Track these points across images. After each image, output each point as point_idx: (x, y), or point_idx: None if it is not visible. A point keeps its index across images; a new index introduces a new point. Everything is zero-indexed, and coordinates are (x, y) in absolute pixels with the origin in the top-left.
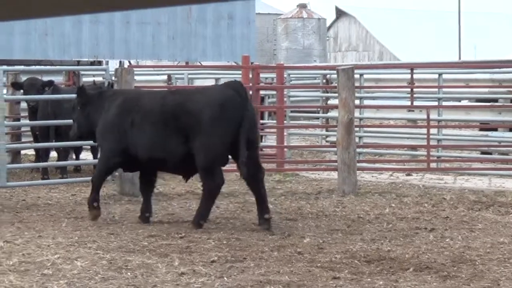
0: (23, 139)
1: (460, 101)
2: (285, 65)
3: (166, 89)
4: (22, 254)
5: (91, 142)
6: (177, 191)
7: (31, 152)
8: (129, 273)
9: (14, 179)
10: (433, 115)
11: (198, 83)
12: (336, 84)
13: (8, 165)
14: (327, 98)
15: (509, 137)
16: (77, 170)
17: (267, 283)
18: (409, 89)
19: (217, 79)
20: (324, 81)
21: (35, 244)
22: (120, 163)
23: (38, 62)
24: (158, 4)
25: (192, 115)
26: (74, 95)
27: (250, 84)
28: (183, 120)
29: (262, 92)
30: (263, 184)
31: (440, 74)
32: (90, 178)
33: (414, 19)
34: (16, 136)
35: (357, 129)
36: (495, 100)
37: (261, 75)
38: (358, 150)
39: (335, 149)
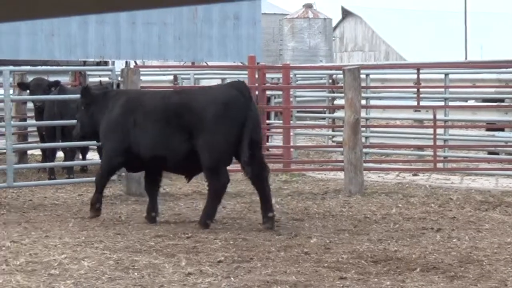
0: (30, 139)
1: (466, 101)
2: (291, 65)
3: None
4: (29, 254)
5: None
6: (183, 191)
7: (38, 152)
8: (136, 273)
9: (21, 179)
10: (440, 115)
11: (204, 83)
12: (342, 84)
13: (15, 165)
14: (333, 98)
15: None
16: (84, 170)
17: (274, 283)
18: (415, 89)
19: (223, 79)
20: (330, 81)
21: (42, 244)
22: (123, 163)
23: (45, 63)
24: (165, 5)
25: (196, 114)
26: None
27: (256, 84)
28: (187, 119)
29: (268, 92)
30: (268, 183)
31: (446, 74)
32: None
33: (420, 19)
34: (22, 136)
35: (363, 129)
36: (502, 100)
37: (267, 75)
38: (365, 150)
39: (341, 149)
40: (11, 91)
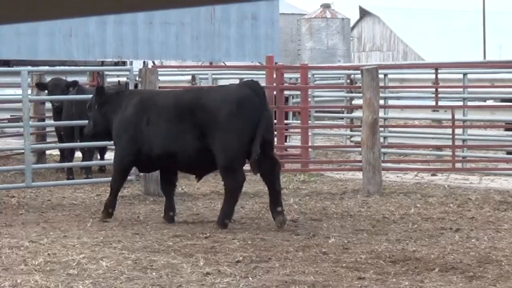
0: (48, 140)
1: (485, 101)
2: (309, 65)
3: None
4: (48, 254)
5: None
6: (202, 191)
7: (56, 152)
8: (154, 273)
9: (39, 179)
10: (458, 115)
11: (222, 83)
12: (360, 84)
13: (33, 165)
14: (352, 98)
15: None
16: (102, 170)
17: (292, 283)
18: (433, 89)
19: (241, 79)
20: (348, 81)
21: (60, 244)
22: (135, 162)
23: (63, 63)
24: (183, 5)
25: (210, 113)
26: None
27: (274, 84)
28: (201, 118)
29: (286, 92)
30: (279, 179)
31: (465, 74)
32: None
33: (438, 18)
34: (41, 136)
35: (381, 129)
36: None
37: (285, 75)
38: (383, 150)
39: (359, 149)
40: (29, 92)
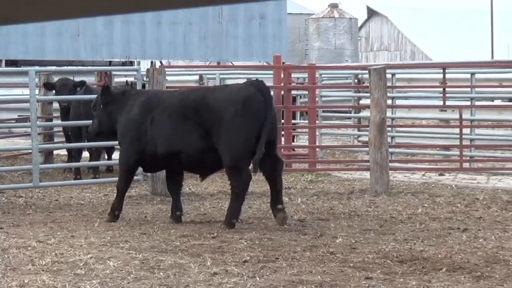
0: (56, 140)
1: (493, 100)
2: (317, 65)
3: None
4: (55, 254)
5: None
6: (209, 191)
7: (64, 152)
8: (161, 273)
9: (46, 179)
10: (466, 115)
11: (229, 83)
12: (368, 84)
13: (40, 165)
14: (359, 98)
15: None
16: (109, 170)
17: (299, 283)
18: (441, 89)
19: (248, 79)
20: (356, 81)
21: (67, 244)
22: (140, 162)
23: (70, 63)
24: (190, 5)
25: (215, 112)
26: None
27: (282, 84)
28: (206, 117)
29: (294, 92)
30: (281, 177)
31: (472, 74)
32: None
33: (446, 18)
34: (48, 136)
35: (389, 129)
36: None
37: (293, 75)
38: (391, 150)
39: (367, 149)
40: (37, 92)
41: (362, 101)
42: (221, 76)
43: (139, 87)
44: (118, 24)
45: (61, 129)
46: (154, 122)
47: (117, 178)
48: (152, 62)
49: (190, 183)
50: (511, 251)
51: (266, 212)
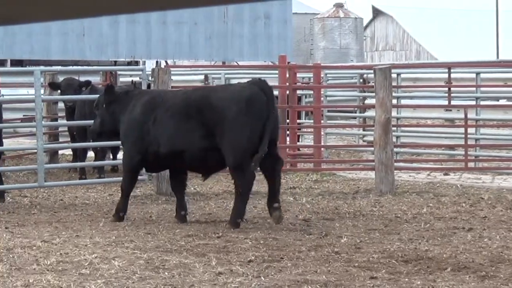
0: (61, 139)
1: (498, 100)
2: (322, 64)
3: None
4: (60, 253)
5: None
6: (214, 191)
7: (69, 152)
8: (166, 273)
9: (51, 179)
10: (471, 115)
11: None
12: (373, 84)
13: (46, 165)
14: (364, 98)
15: None
16: (114, 170)
17: (304, 283)
18: (446, 89)
19: (252, 79)
20: (361, 80)
21: (72, 243)
22: (144, 161)
23: (75, 63)
24: (195, 4)
25: (218, 111)
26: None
27: (287, 84)
28: (208, 116)
29: (299, 92)
30: (280, 176)
31: (477, 73)
32: None
33: (451, 18)
34: (53, 136)
35: (394, 128)
36: None
37: (298, 74)
38: (396, 149)
39: (372, 148)
40: (42, 91)
41: (367, 101)
42: (226, 76)
43: (144, 87)
44: (124, 24)
45: (66, 129)
46: (157, 121)
47: (122, 178)
48: (157, 62)
49: (195, 183)
50: None
51: None
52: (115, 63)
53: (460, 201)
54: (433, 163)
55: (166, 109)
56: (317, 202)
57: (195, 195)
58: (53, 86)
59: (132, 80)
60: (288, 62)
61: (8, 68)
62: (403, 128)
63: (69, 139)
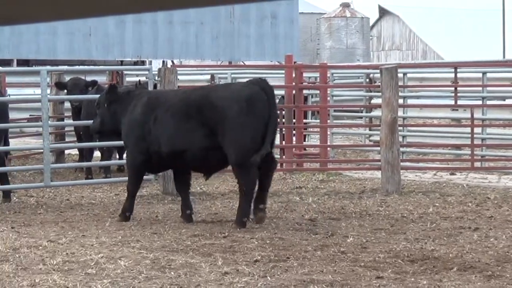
0: (67, 139)
1: (504, 100)
2: (328, 64)
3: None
4: (66, 253)
5: None
6: (220, 191)
7: (75, 151)
8: (172, 273)
9: (58, 178)
10: (477, 114)
11: None
12: (379, 83)
13: (52, 164)
14: (371, 97)
15: None
16: (121, 169)
17: (310, 283)
18: (453, 88)
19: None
20: (368, 80)
21: (78, 243)
22: (147, 161)
23: (82, 62)
24: (202, 4)
25: (219, 111)
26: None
27: (294, 84)
28: (210, 116)
29: (305, 92)
30: (271, 177)
31: (484, 73)
32: None
33: (457, 17)
34: (60, 136)
35: (400, 128)
36: None
37: (305, 74)
38: (402, 149)
39: (378, 148)
40: (48, 91)
41: (374, 101)
42: (232, 75)
43: (150, 86)
44: (130, 23)
45: (72, 128)
46: (157, 121)
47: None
48: (163, 61)
49: (201, 183)
50: None
51: (277, 212)
52: (122, 63)
53: (466, 200)
54: (439, 162)
55: (167, 108)
56: (323, 201)
57: (201, 195)
58: (60, 86)
59: (139, 80)
60: (295, 62)
61: (15, 68)
62: (409, 128)
63: (75, 139)
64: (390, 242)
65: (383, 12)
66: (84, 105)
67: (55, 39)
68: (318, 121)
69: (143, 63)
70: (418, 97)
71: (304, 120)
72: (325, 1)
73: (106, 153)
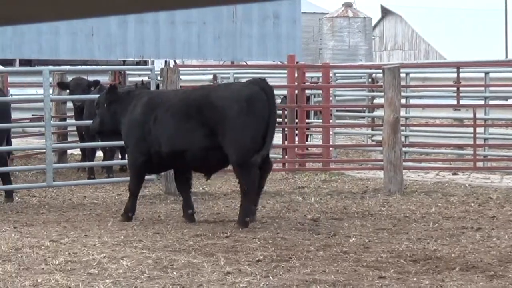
0: (69, 139)
1: (507, 99)
2: (330, 64)
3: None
4: (68, 253)
5: None
6: (222, 191)
7: (77, 151)
8: (174, 273)
9: (60, 178)
10: (480, 114)
11: None
12: (382, 83)
13: (54, 164)
14: (373, 97)
15: None
16: (123, 169)
17: (312, 283)
18: (455, 88)
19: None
20: (370, 80)
21: (81, 243)
22: (148, 161)
23: (84, 62)
24: (204, 4)
25: (219, 111)
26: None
27: (296, 84)
28: (209, 116)
29: (307, 92)
30: (266, 178)
31: (486, 73)
32: None
33: (460, 17)
34: (62, 135)
35: (403, 128)
36: None
37: (307, 74)
38: (404, 149)
39: (381, 148)
40: (50, 91)
41: (376, 101)
42: (235, 75)
43: (153, 86)
44: (132, 23)
45: (75, 128)
46: (157, 121)
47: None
48: (166, 61)
49: (204, 183)
50: None
51: (279, 212)
52: (124, 63)
53: (468, 200)
54: (441, 162)
55: (167, 108)
56: (325, 201)
57: (204, 195)
58: (62, 85)
59: (142, 80)
60: (297, 62)
61: (17, 67)
62: (411, 128)
63: (77, 138)
64: (393, 242)
65: (385, 12)
66: (87, 105)
67: (57, 39)
68: (321, 121)
69: (145, 63)
70: (420, 97)
71: (307, 120)
72: (328, 1)
73: (109, 153)
